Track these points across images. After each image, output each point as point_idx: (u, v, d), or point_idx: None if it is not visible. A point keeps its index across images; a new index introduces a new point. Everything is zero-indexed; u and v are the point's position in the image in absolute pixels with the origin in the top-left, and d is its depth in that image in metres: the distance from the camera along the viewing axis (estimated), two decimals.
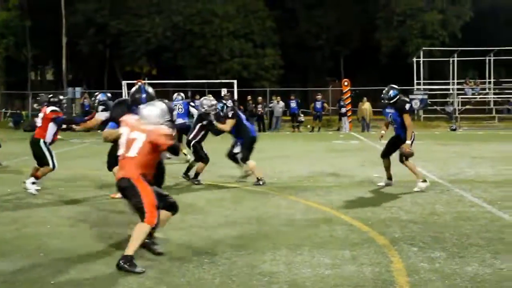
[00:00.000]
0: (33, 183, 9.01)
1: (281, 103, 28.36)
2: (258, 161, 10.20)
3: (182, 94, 14.68)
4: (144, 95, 5.59)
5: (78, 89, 33.20)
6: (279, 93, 30.91)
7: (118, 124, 5.63)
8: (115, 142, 8.88)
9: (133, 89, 5.73)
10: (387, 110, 9.63)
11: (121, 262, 4.86)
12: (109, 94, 9.24)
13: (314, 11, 41.22)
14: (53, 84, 43.22)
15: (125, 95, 29.09)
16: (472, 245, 5.81)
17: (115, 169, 8.80)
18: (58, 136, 9.56)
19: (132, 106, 5.64)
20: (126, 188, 5.16)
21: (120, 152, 5.30)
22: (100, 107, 8.92)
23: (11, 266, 5.21)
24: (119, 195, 8.55)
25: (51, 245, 5.96)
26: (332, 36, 41.43)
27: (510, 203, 8.06)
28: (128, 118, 5.48)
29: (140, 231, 4.97)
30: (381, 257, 5.39)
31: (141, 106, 5.46)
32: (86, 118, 9.45)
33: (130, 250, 4.90)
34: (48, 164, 9.01)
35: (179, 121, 13.85)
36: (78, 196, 8.90)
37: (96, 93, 9.38)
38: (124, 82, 29.50)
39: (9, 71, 38.64)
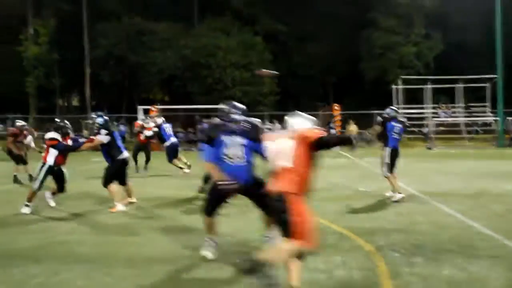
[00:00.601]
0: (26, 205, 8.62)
1: (277, 125, 28.45)
2: None
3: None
4: (236, 111, 5.36)
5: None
6: (276, 116, 31.00)
7: (212, 145, 5.41)
8: (111, 157, 8.70)
9: (226, 106, 5.42)
10: (393, 123, 9.87)
11: (249, 263, 4.05)
12: (105, 117, 8.84)
13: (305, 45, 41.52)
14: (78, 109, 43.30)
15: (139, 119, 29.09)
16: (447, 251, 5.83)
17: (111, 186, 8.74)
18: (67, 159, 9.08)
19: (225, 122, 5.34)
20: (279, 202, 4.35)
21: (274, 164, 4.51)
22: (103, 131, 8.67)
23: (45, 270, 5.24)
24: (118, 208, 8.45)
25: (78, 251, 5.98)
26: (322, 66, 41.62)
27: (479, 213, 8.09)
28: (273, 136, 4.80)
29: (285, 248, 4.08)
30: (368, 262, 5.41)
31: (289, 120, 4.93)
32: (84, 141, 9.01)
33: (266, 255, 4.03)
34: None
35: (172, 140, 13.96)
36: (101, 208, 8.90)
37: (94, 116, 8.92)
38: (139, 107, 29.57)
39: (40, 98, 39.19)
